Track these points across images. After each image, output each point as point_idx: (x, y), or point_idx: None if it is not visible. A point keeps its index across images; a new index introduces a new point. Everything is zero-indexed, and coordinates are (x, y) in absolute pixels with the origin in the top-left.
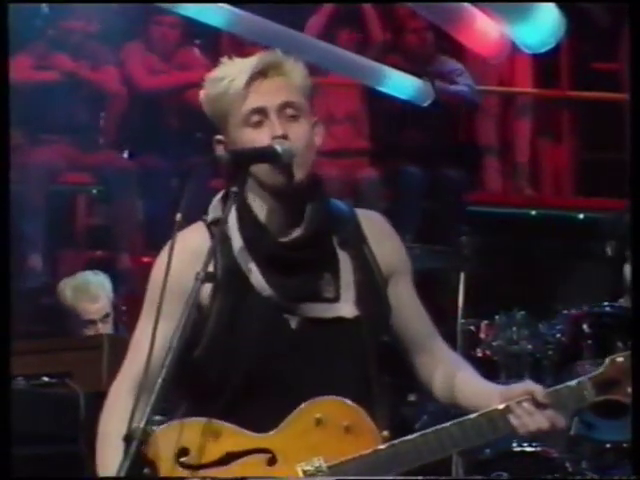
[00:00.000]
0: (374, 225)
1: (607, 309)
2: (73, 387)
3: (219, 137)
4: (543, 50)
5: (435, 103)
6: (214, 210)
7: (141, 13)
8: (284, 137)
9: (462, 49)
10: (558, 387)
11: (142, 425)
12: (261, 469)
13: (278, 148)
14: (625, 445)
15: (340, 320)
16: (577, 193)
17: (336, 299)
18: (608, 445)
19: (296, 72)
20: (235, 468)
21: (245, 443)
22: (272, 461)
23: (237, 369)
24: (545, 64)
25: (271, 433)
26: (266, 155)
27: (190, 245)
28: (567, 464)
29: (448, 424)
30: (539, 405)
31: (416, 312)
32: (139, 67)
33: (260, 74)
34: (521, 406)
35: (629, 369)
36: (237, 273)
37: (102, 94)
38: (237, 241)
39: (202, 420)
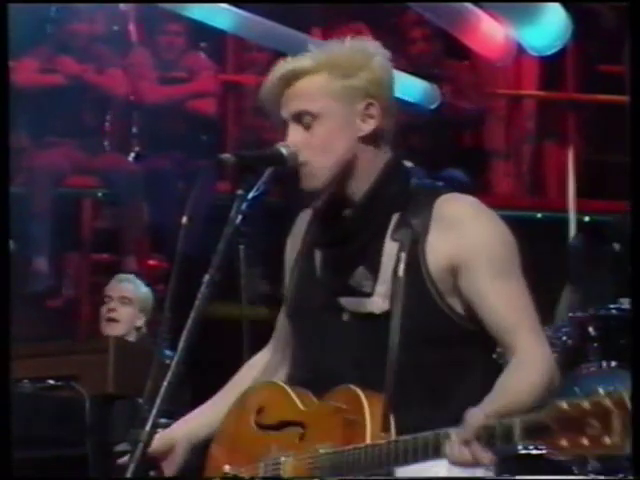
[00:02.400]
0: (445, 213)
1: (613, 312)
2: (79, 390)
3: None
4: (549, 53)
5: (441, 106)
6: None
7: (147, 19)
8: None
9: (468, 52)
10: (489, 423)
11: (147, 428)
12: (293, 444)
13: (283, 151)
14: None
15: (371, 315)
16: (583, 195)
17: (371, 294)
18: None
19: (319, 75)
20: (280, 436)
21: (292, 413)
22: (302, 437)
23: (300, 342)
24: (551, 67)
25: (308, 408)
26: (271, 158)
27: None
28: (573, 467)
29: (383, 441)
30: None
31: (489, 304)
32: (145, 76)
33: (283, 82)
34: (459, 434)
35: (570, 420)
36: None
37: (108, 97)
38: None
39: (280, 383)
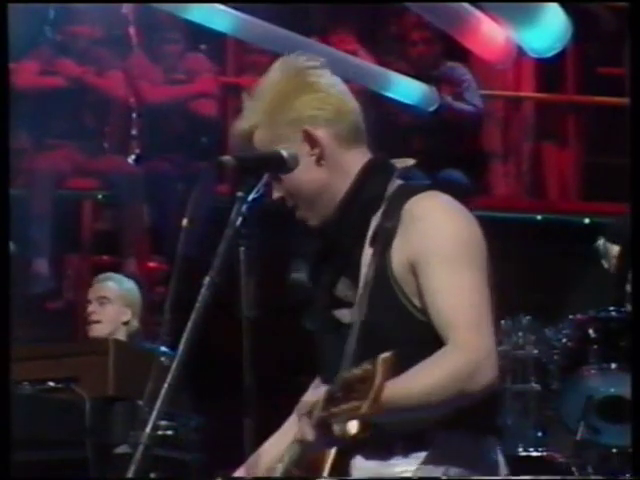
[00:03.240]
0: (411, 213)
1: (613, 314)
2: (79, 392)
3: None
4: (549, 55)
5: (441, 108)
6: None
7: (147, 21)
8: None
9: (468, 54)
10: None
11: (148, 430)
12: None
13: (284, 154)
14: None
15: (351, 326)
16: (583, 197)
17: (352, 304)
18: (614, 450)
19: (262, 128)
20: None
21: None
22: None
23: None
24: (551, 69)
25: None
26: (272, 161)
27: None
28: (573, 469)
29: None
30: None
31: (431, 300)
32: (144, 79)
33: (244, 140)
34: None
35: (349, 387)
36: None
37: (108, 99)
38: None
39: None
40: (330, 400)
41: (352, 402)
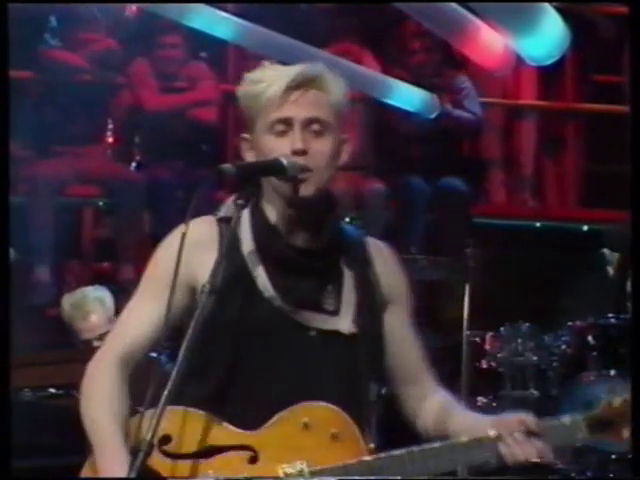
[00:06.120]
0: (381, 253)
1: (612, 321)
2: (79, 399)
3: (245, 135)
4: (548, 63)
5: (441, 116)
6: (227, 209)
7: (147, 30)
8: (303, 152)
9: (467, 62)
10: (553, 423)
11: (149, 438)
12: (241, 466)
13: (284, 162)
14: (630, 456)
15: (337, 334)
16: (581, 205)
17: (336, 313)
18: (613, 456)
19: (334, 88)
20: (215, 462)
21: (229, 438)
22: (254, 459)
23: (233, 364)
24: (550, 76)
25: (256, 431)
26: (272, 168)
27: (198, 235)
28: (573, 474)
29: (437, 444)
30: (530, 434)
31: (409, 343)
32: (145, 87)
33: (297, 85)
34: (512, 436)
35: (625, 412)
36: (244, 276)
37: (109, 106)
38: (248, 244)
39: (190, 410)
40: (599, 425)
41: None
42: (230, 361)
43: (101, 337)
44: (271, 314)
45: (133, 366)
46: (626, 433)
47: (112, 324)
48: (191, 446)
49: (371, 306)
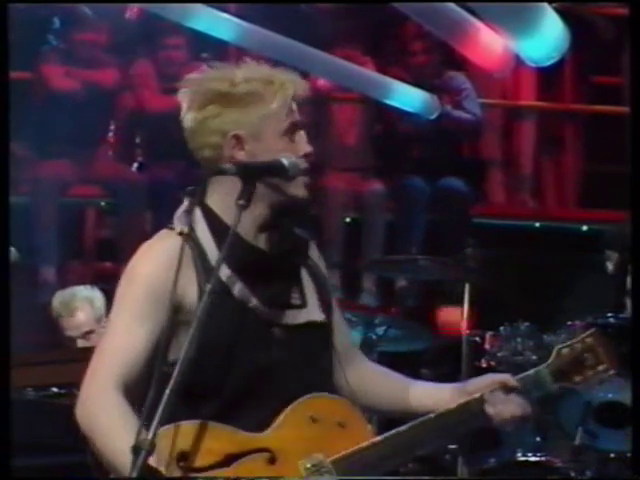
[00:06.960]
0: (316, 248)
1: (611, 320)
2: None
3: (239, 133)
4: (547, 64)
5: (441, 116)
6: (180, 221)
7: (148, 31)
8: (311, 155)
9: (467, 63)
10: (521, 376)
11: (150, 437)
12: (263, 468)
13: (285, 162)
14: (629, 455)
15: (311, 324)
16: (580, 205)
17: (304, 305)
18: (612, 455)
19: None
20: (237, 469)
21: (243, 444)
22: (272, 460)
23: (225, 376)
24: (549, 77)
25: (266, 432)
26: (273, 169)
27: (167, 251)
28: (571, 473)
29: (432, 416)
30: (509, 391)
31: (345, 329)
32: (147, 88)
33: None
34: (494, 395)
35: (576, 357)
36: (216, 282)
37: (111, 107)
38: (213, 252)
39: (197, 423)
40: (559, 372)
41: (598, 367)
42: (226, 373)
43: (85, 335)
44: (252, 320)
45: (133, 387)
46: (576, 377)
47: (100, 324)
48: (208, 459)
49: (326, 296)
